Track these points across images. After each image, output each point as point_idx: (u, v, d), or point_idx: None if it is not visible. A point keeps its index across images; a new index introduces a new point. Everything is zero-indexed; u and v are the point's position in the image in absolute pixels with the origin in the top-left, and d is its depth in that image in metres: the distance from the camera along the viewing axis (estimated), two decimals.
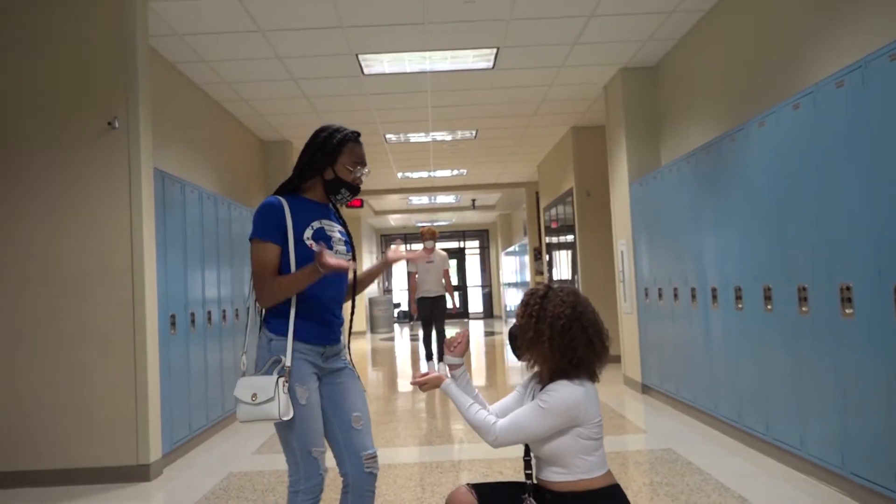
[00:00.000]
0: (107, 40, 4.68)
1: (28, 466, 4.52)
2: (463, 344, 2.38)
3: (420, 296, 8.98)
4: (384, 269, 2.72)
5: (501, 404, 2.36)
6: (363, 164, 2.55)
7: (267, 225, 2.42)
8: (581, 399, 2.12)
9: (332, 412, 2.47)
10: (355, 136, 2.55)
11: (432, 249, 8.87)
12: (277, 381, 2.30)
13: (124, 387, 4.58)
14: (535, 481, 2.23)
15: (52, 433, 4.55)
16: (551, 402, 2.11)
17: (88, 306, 4.59)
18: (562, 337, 2.13)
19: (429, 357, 9.04)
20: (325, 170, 2.50)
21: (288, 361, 2.35)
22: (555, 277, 11.87)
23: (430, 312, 8.94)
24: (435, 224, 21.34)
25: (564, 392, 2.12)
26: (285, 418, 2.30)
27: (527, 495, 2.21)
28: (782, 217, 4.10)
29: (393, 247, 2.74)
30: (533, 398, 2.23)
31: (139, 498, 4.29)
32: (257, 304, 2.47)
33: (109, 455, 4.56)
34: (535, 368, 2.26)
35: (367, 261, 17.92)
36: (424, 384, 2.36)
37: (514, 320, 2.33)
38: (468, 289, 23.88)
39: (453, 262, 22.92)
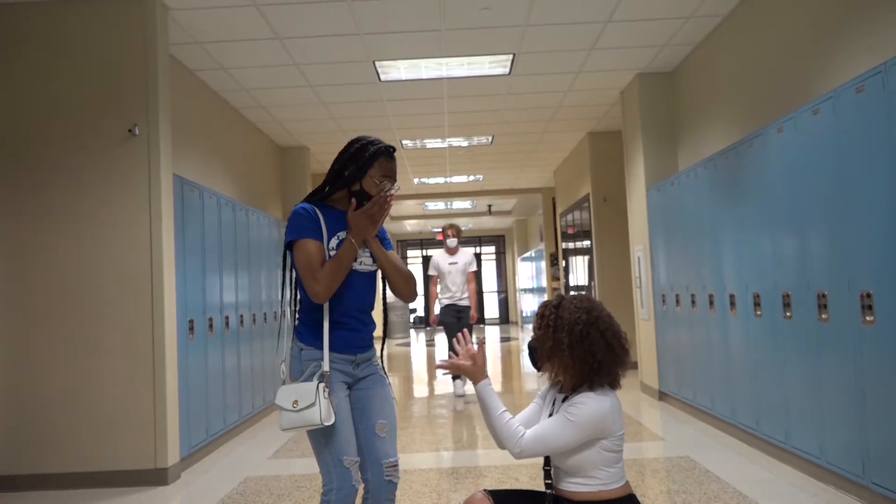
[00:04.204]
0: (128, 48, 4.75)
1: (48, 470, 4.58)
2: (480, 356, 2.36)
3: (445, 303, 7.73)
4: (380, 215, 2.46)
5: (522, 416, 2.33)
6: (393, 178, 2.51)
7: (303, 226, 2.41)
8: (608, 412, 2.11)
9: (358, 418, 2.48)
10: (388, 150, 2.51)
11: (455, 249, 7.85)
12: (318, 387, 2.31)
13: (143, 391, 4.62)
14: (553, 491, 2.23)
15: (71, 437, 4.60)
16: (579, 416, 2.10)
17: (108, 311, 4.65)
18: (581, 343, 2.13)
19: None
20: (354, 182, 2.48)
21: (326, 367, 2.37)
22: (571, 283, 11.83)
23: (454, 319, 7.65)
24: None
25: (592, 405, 2.11)
26: (327, 423, 2.31)
27: None
28: (801, 223, 4.07)
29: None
30: (553, 406, 2.22)
31: (157, 501, 4.32)
32: (297, 311, 2.49)
33: (128, 459, 4.60)
34: (557, 378, 2.25)
35: None
36: (455, 366, 2.32)
37: (530, 325, 2.32)
38: (484, 294, 23.86)
39: None
